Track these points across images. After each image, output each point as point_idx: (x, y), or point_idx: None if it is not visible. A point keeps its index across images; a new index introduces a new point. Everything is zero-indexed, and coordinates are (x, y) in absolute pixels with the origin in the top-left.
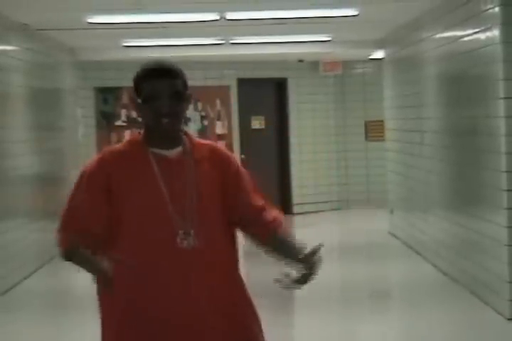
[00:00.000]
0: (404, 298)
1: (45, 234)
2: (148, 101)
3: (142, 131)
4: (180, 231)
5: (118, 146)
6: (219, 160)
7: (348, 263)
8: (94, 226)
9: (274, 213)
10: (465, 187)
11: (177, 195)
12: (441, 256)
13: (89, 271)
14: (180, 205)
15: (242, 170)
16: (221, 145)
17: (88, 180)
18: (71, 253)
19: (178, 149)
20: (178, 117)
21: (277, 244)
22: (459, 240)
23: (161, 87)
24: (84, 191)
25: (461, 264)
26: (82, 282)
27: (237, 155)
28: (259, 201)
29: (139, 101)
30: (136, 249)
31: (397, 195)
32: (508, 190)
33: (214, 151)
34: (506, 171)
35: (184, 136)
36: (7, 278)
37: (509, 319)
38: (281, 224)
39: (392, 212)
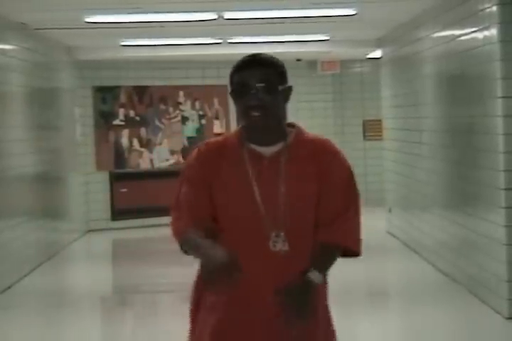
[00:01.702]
0: (402, 297)
1: (43, 233)
2: (237, 94)
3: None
4: (272, 234)
5: (217, 139)
6: (320, 159)
7: (346, 262)
8: (204, 215)
9: (347, 223)
10: (463, 186)
11: (268, 195)
12: (439, 255)
13: (204, 256)
14: (272, 206)
15: (343, 170)
16: (329, 144)
17: (188, 173)
18: (186, 240)
19: (278, 146)
20: (270, 111)
21: (313, 254)
22: (457, 239)
23: (249, 76)
24: (187, 185)
25: (460, 263)
26: (80, 281)
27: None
28: (342, 206)
29: (232, 94)
30: (230, 248)
31: (395, 194)
32: (506, 189)
33: (318, 148)
34: (504, 170)
35: (291, 131)
36: (5, 277)
37: (507, 318)
38: (342, 239)
39: (390, 211)
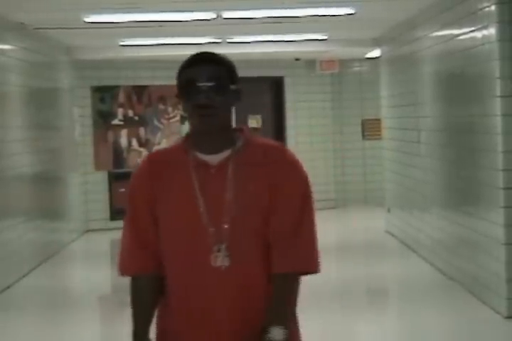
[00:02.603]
0: (401, 296)
1: (42, 233)
2: (185, 92)
3: (188, 132)
4: (215, 247)
5: (164, 148)
6: (273, 167)
7: (345, 261)
8: (152, 240)
9: (296, 251)
10: (462, 186)
11: (213, 207)
12: (438, 254)
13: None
14: (216, 218)
15: (299, 181)
16: (282, 150)
17: (131, 193)
18: (132, 296)
19: (226, 153)
20: (220, 111)
21: (270, 303)
22: (456, 239)
23: (198, 73)
24: (131, 207)
25: (458, 263)
26: (79, 281)
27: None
28: (294, 222)
29: (179, 93)
30: (171, 264)
31: (394, 193)
32: (505, 189)
33: (270, 155)
34: (503, 169)
35: (239, 136)
36: (4, 277)
37: (506, 317)
38: (297, 265)
39: (389, 210)
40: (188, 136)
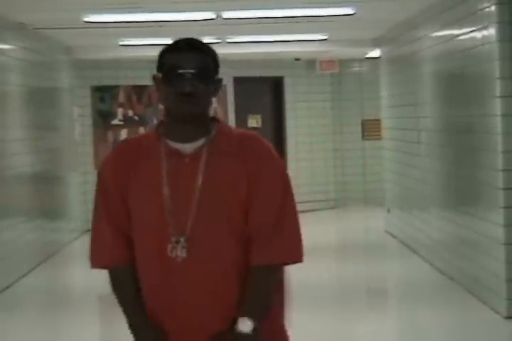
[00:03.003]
0: (401, 296)
1: (42, 232)
2: (168, 77)
3: (161, 120)
4: (173, 239)
5: (134, 138)
6: (249, 157)
7: (345, 261)
8: (125, 226)
9: (278, 242)
10: (462, 186)
11: (180, 197)
12: (438, 254)
13: (132, 332)
14: (181, 209)
15: (274, 170)
16: (259, 139)
17: (102, 179)
18: (115, 285)
19: (199, 142)
20: (203, 100)
21: (247, 289)
22: (455, 239)
23: (186, 59)
24: (102, 193)
25: (458, 263)
26: (79, 281)
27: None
28: (273, 214)
29: (159, 76)
30: (138, 253)
31: (393, 193)
32: (505, 189)
33: (245, 144)
34: (503, 170)
35: (214, 125)
36: (4, 277)
37: (506, 317)
38: (277, 257)
39: (388, 210)
40: (160, 123)
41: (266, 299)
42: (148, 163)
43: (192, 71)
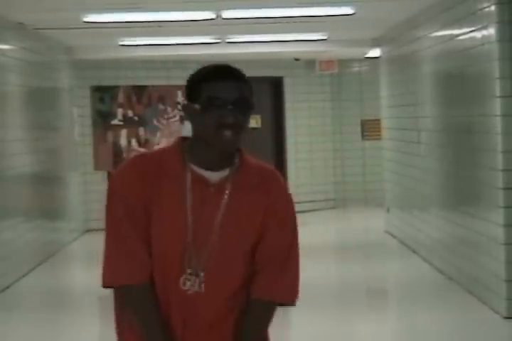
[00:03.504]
0: (401, 296)
1: (42, 232)
2: (209, 107)
3: (184, 141)
4: (188, 270)
5: (152, 153)
6: (268, 192)
7: (345, 261)
8: (146, 248)
9: (283, 280)
10: (462, 186)
11: (202, 228)
12: (437, 254)
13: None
14: (201, 241)
15: (290, 208)
16: (276, 173)
17: (122, 192)
18: (135, 304)
19: (225, 172)
20: (242, 131)
21: (244, 320)
22: (455, 239)
23: (227, 90)
24: (122, 208)
25: (458, 263)
26: (79, 281)
27: None
28: (283, 251)
29: (197, 107)
30: (154, 275)
31: (393, 193)
32: (505, 189)
33: (267, 179)
34: (503, 170)
35: (238, 155)
36: (4, 277)
37: (506, 317)
38: (280, 295)
39: (388, 210)
40: (181, 142)
41: (261, 334)
42: (173, 187)
43: (234, 101)
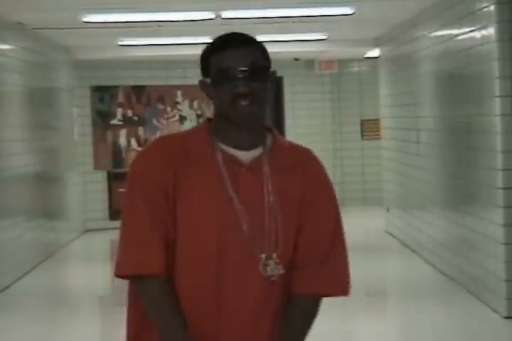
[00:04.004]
0: (400, 296)
1: (42, 232)
2: (220, 80)
3: (211, 122)
4: (262, 256)
5: (176, 135)
6: (304, 173)
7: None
8: (169, 229)
9: (327, 271)
10: (461, 186)
11: (254, 210)
12: (437, 254)
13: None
14: (258, 225)
15: (329, 194)
16: (312, 153)
17: (143, 179)
18: (155, 300)
19: (257, 151)
20: (260, 100)
21: (287, 316)
22: (455, 238)
23: (235, 58)
24: (142, 196)
25: (458, 262)
26: (78, 281)
27: None
28: (326, 241)
29: (209, 81)
30: (190, 271)
31: (393, 193)
32: (504, 188)
33: (300, 160)
34: (502, 169)
35: (269, 134)
36: (3, 277)
37: (505, 317)
38: (326, 287)
39: (388, 210)
40: (208, 123)
41: (305, 330)
42: (204, 170)
43: (245, 69)
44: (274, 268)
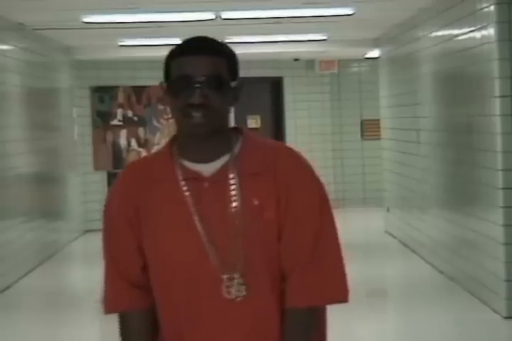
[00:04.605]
0: (401, 296)
1: (42, 233)
2: (176, 87)
3: (173, 135)
4: (224, 277)
5: (144, 158)
6: (281, 173)
7: (345, 261)
8: (136, 272)
9: (321, 272)
10: (461, 186)
11: (216, 227)
12: (437, 254)
13: None
14: (220, 244)
15: (314, 189)
16: (288, 149)
17: (110, 213)
18: (122, 328)
19: (222, 160)
20: (216, 113)
21: (284, 335)
22: (455, 239)
23: (192, 65)
24: (110, 231)
25: (458, 263)
26: (79, 281)
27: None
28: (308, 242)
29: (166, 87)
30: (165, 297)
31: (393, 193)
32: (504, 189)
33: (277, 158)
34: (502, 169)
35: (238, 137)
36: (4, 277)
37: (506, 317)
38: (318, 296)
39: (388, 210)
40: (173, 141)
41: None
42: (166, 191)
43: (202, 79)
44: (237, 290)
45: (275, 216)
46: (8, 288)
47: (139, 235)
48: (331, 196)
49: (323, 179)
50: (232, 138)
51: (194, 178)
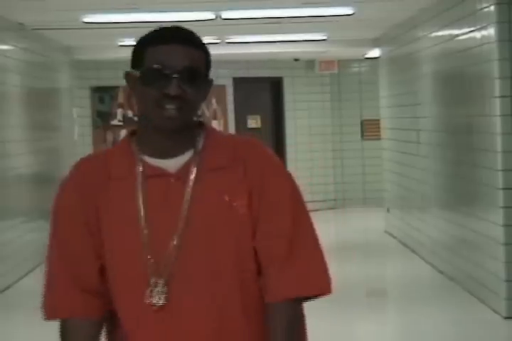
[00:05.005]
0: (400, 296)
1: (42, 233)
2: (150, 76)
3: (135, 129)
4: (152, 281)
5: (98, 154)
6: (248, 167)
7: (345, 262)
8: (89, 273)
9: (299, 264)
10: (461, 186)
11: (162, 231)
12: (437, 254)
13: None
14: (160, 245)
15: (284, 182)
16: (254, 142)
17: (63, 215)
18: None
19: (186, 156)
20: (190, 107)
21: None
22: (455, 239)
23: (173, 55)
24: (60, 230)
25: (458, 263)
26: None
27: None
28: (284, 234)
29: (137, 73)
30: (115, 301)
31: (393, 193)
32: (504, 189)
33: (243, 153)
34: (502, 170)
35: (201, 133)
36: (4, 277)
37: (505, 317)
38: (297, 288)
39: (388, 210)
40: (132, 134)
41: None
42: (122, 187)
43: (182, 69)
44: (157, 297)
45: (248, 211)
46: (8, 288)
47: (98, 236)
48: (331, 196)
49: (323, 179)
50: (196, 133)
51: (158, 175)
